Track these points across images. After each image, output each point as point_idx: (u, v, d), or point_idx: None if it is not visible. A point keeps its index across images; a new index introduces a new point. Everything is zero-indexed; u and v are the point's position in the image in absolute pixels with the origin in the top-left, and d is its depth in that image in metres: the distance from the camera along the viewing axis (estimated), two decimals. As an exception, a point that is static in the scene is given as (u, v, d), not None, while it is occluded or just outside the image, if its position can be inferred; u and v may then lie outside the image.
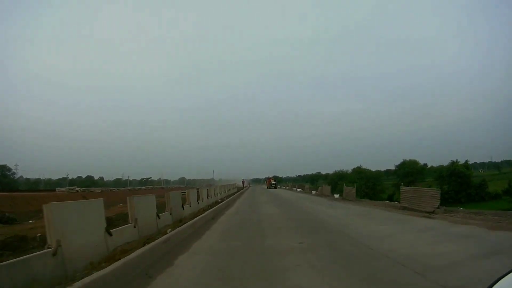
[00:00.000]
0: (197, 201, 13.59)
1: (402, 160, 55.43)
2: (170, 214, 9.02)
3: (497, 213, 9.17)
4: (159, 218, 7.85)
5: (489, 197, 44.23)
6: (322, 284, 3.69)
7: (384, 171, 63.55)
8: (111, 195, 32.24)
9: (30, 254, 3.89)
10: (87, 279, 3.32)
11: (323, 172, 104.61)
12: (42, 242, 5.46)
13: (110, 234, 5.22)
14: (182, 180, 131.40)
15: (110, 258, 4.55)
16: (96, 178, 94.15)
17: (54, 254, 3.81)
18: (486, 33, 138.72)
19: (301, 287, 3.59)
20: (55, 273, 3.72)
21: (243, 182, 53.51)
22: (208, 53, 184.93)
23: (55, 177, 80.00)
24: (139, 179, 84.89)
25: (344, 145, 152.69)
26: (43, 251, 3.89)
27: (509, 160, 78.98)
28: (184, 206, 10.80)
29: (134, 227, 6.51)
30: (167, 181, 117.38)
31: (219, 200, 17.88)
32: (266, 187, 56.14)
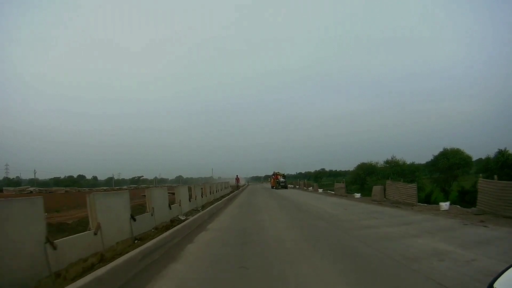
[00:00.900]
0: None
1: (442, 150, 40.59)
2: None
3: None
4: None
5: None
6: None
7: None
8: (79, 196, 29.28)
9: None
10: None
11: (327, 169, 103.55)
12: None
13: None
14: (179, 179, 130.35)
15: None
16: (89, 177, 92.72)
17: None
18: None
19: None
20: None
21: (237, 179, 35.35)
22: (209, 53, 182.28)
23: (48, 177, 78.17)
24: (131, 178, 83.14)
25: (347, 141, 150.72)
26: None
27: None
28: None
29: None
30: (164, 180, 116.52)
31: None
32: (270, 186, 41.94)
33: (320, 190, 28.94)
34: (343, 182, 23.32)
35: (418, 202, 12.44)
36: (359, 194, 19.11)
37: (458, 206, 11.06)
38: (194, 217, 9.02)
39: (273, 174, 41.39)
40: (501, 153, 35.75)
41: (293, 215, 10.52)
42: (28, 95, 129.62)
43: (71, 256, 4.23)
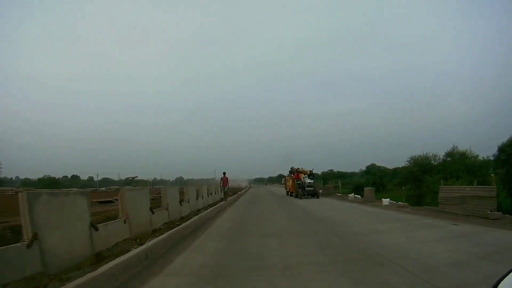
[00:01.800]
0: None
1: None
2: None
3: None
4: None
5: None
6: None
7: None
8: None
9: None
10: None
11: (336, 170, 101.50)
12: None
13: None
14: (179, 180, 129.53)
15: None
16: (84, 178, 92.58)
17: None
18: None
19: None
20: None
21: (223, 181, 19.60)
22: (212, 55, 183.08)
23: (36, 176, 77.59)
24: (125, 178, 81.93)
25: (353, 142, 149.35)
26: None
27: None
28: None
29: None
30: (164, 181, 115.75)
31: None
32: (285, 191, 26.97)
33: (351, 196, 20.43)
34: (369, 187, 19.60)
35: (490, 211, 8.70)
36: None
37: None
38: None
39: (292, 172, 24.30)
40: None
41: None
42: (27, 91, 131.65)
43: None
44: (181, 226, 7.49)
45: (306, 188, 20.70)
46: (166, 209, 8.83)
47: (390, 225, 8.16)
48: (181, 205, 10.37)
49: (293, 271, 4.24)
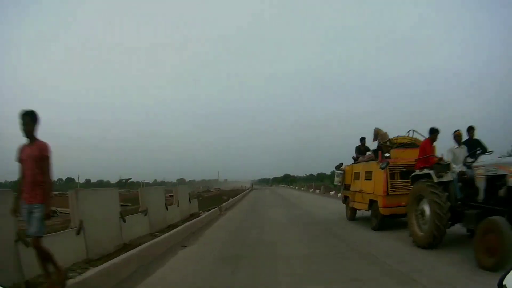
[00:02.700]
0: None
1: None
2: None
3: None
4: None
5: None
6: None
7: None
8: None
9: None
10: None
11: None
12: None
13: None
14: (180, 182, 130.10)
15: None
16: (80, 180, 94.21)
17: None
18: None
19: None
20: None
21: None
22: (216, 55, 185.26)
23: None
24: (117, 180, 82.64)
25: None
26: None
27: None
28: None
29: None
30: (164, 183, 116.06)
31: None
32: (346, 210, 9.46)
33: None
34: None
35: None
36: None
37: None
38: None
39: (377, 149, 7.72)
40: None
41: None
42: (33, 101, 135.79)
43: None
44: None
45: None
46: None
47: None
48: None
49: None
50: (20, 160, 3.13)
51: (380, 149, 7.43)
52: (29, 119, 3.10)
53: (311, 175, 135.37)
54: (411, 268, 3.98)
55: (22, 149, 3.15)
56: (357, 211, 8.52)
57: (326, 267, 4.32)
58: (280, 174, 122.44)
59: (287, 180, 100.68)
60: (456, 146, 5.36)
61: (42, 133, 3.15)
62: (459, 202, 4.72)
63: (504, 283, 1.25)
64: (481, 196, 4.36)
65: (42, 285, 3.27)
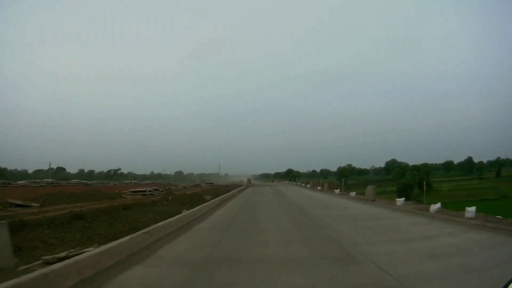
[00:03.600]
0: None
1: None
2: None
3: None
4: None
5: None
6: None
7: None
8: None
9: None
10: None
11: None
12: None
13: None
14: (178, 175, 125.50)
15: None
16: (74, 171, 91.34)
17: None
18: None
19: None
20: None
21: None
22: (220, 50, 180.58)
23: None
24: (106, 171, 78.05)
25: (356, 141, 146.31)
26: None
27: None
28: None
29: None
30: (162, 176, 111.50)
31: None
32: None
33: (353, 194, 20.16)
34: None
35: None
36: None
37: None
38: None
39: None
40: None
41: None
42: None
43: None
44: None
45: None
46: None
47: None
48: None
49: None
50: None
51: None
52: None
53: (314, 171, 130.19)
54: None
55: None
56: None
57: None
58: (282, 169, 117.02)
59: (290, 175, 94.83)
60: None
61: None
62: None
63: None
64: None
65: None
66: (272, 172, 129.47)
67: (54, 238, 5.63)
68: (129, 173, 71.20)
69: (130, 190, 22.27)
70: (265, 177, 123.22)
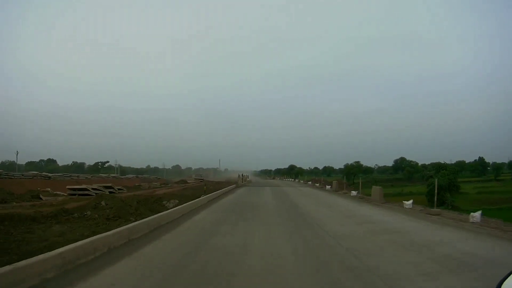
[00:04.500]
0: None
1: None
2: None
3: None
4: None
5: None
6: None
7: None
8: None
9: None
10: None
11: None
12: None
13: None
14: (176, 169, 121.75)
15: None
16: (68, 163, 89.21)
17: None
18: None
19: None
20: None
21: None
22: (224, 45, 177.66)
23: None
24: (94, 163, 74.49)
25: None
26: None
27: None
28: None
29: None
30: (159, 170, 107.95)
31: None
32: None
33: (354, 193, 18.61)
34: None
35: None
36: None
37: None
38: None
39: None
40: None
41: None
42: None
43: None
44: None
45: None
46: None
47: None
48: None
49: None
50: None
51: None
52: None
53: (316, 168, 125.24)
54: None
55: None
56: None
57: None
58: (283, 166, 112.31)
59: (292, 172, 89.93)
60: None
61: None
62: None
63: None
64: None
65: None
66: (273, 169, 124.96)
67: None
68: (116, 165, 66.93)
69: (68, 187, 17.68)
70: (266, 173, 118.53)
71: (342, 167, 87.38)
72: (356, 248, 5.42)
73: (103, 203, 7.87)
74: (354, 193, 19.12)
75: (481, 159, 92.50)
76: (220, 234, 6.53)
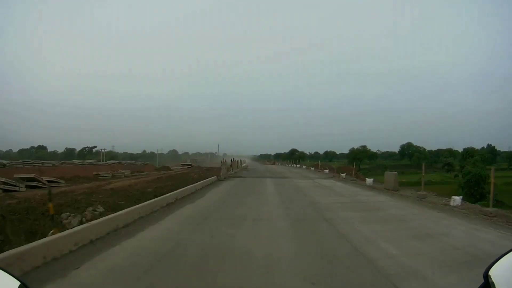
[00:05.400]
0: None
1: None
2: None
3: None
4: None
5: None
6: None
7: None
8: None
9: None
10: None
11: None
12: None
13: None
14: (173, 154, 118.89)
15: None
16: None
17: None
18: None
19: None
20: None
21: None
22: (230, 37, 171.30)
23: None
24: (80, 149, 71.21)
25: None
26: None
27: None
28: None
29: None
30: (154, 155, 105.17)
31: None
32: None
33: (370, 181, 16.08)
34: None
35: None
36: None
37: None
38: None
39: None
40: None
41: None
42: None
43: None
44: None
45: None
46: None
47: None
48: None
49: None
50: None
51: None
52: None
53: (316, 153, 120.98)
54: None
55: None
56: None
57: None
58: (284, 150, 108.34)
59: (293, 157, 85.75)
60: None
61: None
62: None
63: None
64: None
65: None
66: (273, 153, 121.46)
67: None
68: (102, 150, 62.90)
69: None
70: (265, 158, 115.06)
71: (344, 152, 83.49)
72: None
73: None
74: (369, 180, 15.43)
75: (489, 146, 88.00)
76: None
